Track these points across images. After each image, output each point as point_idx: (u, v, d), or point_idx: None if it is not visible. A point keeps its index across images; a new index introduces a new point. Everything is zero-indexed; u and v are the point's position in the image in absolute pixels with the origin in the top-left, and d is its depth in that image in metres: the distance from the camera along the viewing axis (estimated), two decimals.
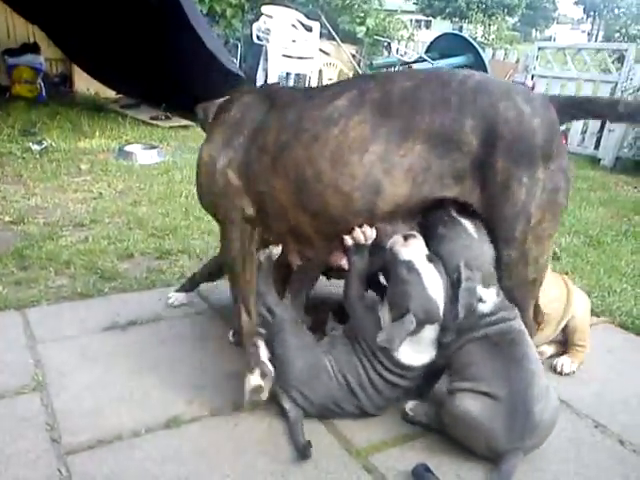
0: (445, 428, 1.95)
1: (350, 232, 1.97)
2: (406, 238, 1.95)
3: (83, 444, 1.88)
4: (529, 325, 2.01)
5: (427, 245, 1.96)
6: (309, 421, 2.03)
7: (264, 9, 9.60)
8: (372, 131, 1.80)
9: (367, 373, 1.99)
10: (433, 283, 1.87)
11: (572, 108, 1.92)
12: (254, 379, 2.01)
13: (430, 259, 1.91)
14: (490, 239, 1.89)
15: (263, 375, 2.01)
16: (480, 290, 1.89)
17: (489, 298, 1.90)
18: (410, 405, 2.06)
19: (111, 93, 8.47)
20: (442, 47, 9.09)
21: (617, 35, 9.10)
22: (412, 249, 1.92)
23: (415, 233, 1.97)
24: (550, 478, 1.89)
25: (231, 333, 2.52)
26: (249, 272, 2.13)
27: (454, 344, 1.92)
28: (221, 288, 3.06)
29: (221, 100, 2.22)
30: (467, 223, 1.91)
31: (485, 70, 8.39)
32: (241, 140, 2.01)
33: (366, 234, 1.97)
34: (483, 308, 1.90)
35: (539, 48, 8.57)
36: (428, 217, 1.97)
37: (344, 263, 2.14)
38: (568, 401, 2.29)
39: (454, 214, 1.92)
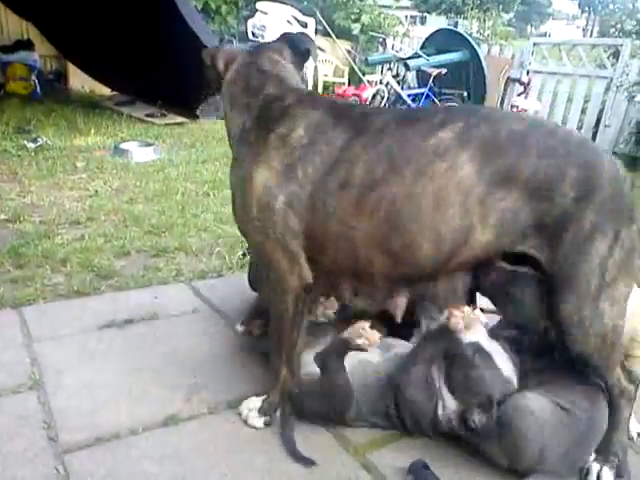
0: (498, 431, 1.80)
1: (418, 279, 1.83)
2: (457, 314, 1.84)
3: (80, 443, 1.88)
4: (621, 391, 1.83)
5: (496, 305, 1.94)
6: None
7: (259, 5, 9.58)
8: (478, 170, 1.65)
9: None
10: (504, 362, 1.85)
11: None
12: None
13: (492, 336, 1.87)
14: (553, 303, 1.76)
15: None
16: None
17: None
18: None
19: (106, 90, 8.46)
20: (437, 43, 9.08)
21: (612, 30, 9.08)
22: (475, 329, 1.85)
23: (470, 309, 1.87)
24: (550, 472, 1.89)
25: (239, 324, 2.43)
26: (297, 329, 1.96)
27: None
28: (217, 285, 3.07)
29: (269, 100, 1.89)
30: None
31: (481, 66, 8.39)
32: (310, 172, 1.75)
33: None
34: None
35: (534, 44, 8.58)
36: (484, 281, 1.90)
37: (397, 312, 1.98)
38: None
39: (510, 267, 1.83)
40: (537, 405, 1.78)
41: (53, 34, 8.36)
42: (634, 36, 8.28)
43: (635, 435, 2.14)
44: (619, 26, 8.85)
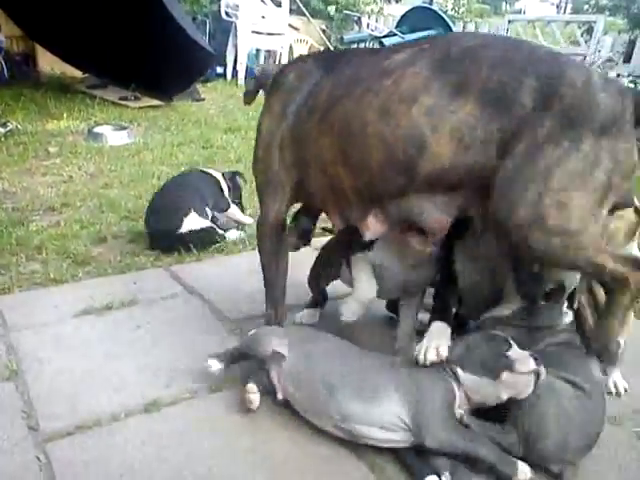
0: (515, 416, 1.77)
1: (388, 197, 1.86)
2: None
3: (62, 431, 1.86)
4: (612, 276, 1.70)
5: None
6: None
7: None
8: (424, 83, 1.69)
9: None
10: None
11: None
12: None
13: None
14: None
15: None
16: None
17: None
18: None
19: (77, 73, 8.26)
20: (412, 21, 9.04)
21: (586, 7, 9.11)
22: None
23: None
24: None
25: None
26: (275, 265, 2.25)
27: None
28: (196, 269, 3.05)
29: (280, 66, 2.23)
30: None
31: None
32: (293, 108, 2.01)
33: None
34: None
35: (509, 21, 8.60)
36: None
37: (366, 232, 2.01)
38: None
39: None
40: (558, 386, 1.76)
41: (17, 13, 8.06)
42: (607, 12, 8.31)
43: (622, 390, 2.25)
44: (593, 2, 8.87)
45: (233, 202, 3.64)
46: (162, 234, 3.23)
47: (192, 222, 3.24)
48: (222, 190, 3.58)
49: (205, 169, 3.73)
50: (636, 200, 1.94)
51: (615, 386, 2.25)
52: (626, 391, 2.25)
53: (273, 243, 2.22)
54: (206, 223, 3.32)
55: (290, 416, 1.97)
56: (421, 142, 1.70)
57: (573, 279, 1.96)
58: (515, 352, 1.76)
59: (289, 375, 1.95)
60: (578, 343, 1.97)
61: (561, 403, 1.74)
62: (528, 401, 1.74)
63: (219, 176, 3.62)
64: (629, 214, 2.04)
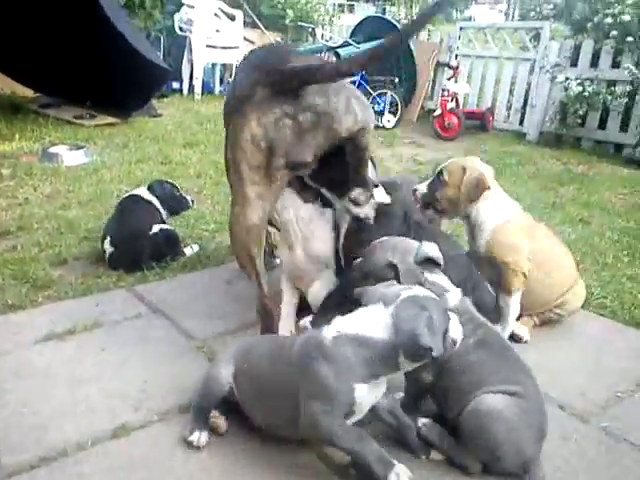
0: (466, 443, 1.83)
1: None
2: None
3: (25, 464, 1.80)
4: None
5: None
6: None
7: None
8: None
9: None
10: None
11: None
12: None
13: None
14: None
15: None
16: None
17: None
18: (424, 421, 1.95)
19: (29, 92, 8.06)
20: (367, 30, 9.11)
21: (532, 14, 9.35)
22: None
23: None
24: None
25: None
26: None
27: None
28: (159, 288, 3.01)
29: None
30: None
31: (410, 51, 8.50)
32: None
33: None
34: None
35: (461, 28, 8.75)
36: None
37: None
38: None
39: None
40: (501, 406, 1.77)
41: None
42: (552, 19, 8.55)
43: (527, 337, 2.61)
44: (538, 10, 9.11)
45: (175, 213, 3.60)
46: (130, 239, 3.15)
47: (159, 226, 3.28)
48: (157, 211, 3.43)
49: (134, 192, 3.51)
50: None
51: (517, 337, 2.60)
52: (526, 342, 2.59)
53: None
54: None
55: (263, 435, 1.95)
56: None
57: None
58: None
59: (246, 398, 1.92)
60: (493, 336, 1.97)
61: (509, 422, 1.76)
62: (479, 429, 1.77)
63: (148, 195, 3.44)
64: None
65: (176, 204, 3.54)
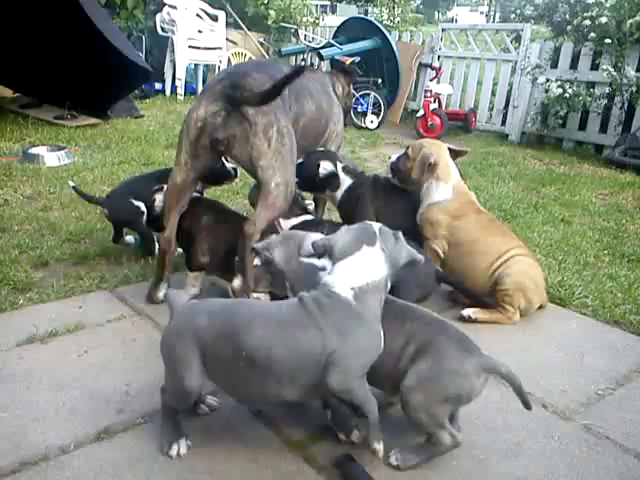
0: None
1: None
2: None
3: (5, 469, 1.78)
4: None
5: None
6: (241, 416, 2.02)
7: None
8: None
9: None
10: None
11: None
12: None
13: None
14: None
15: None
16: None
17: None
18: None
19: (8, 92, 7.96)
20: (349, 31, 9.14)
21: (513, 16, 9.43)
22: None
23: None
24: (480, 446, 1.97)
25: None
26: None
27: None
28: (142, 290, 2.98)
29: None
30: None
31: (393, 52, 8.53)
32: None
33: None
34: None
35: (443, 29, 8.80)
36: None
37: None
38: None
39: None
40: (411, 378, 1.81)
41: None
42: (532, 21, 8.63)
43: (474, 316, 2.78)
44: (519, 11, 9.19)
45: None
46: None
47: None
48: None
49: None
50: None
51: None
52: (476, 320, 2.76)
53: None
54: None
55: (248, 434, 1.95)
56: None
57: None
58: None
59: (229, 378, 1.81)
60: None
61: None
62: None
63: None
64: None
65: (216, 174, 3.27)
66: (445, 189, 2.97)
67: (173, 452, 1.85)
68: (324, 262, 1.93)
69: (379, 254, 1.80)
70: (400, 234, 1.88)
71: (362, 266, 1.78)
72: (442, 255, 2.96)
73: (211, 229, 2.87)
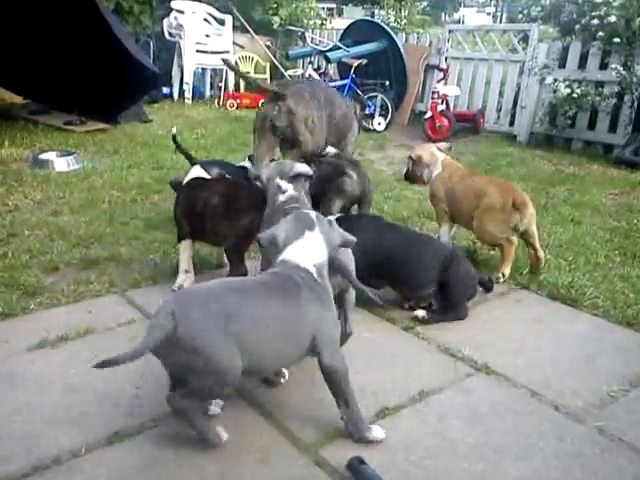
0: None
1: None
2: None
3: (16, 473, 1.78)
4: None
5: None
6: (251, 418, 2.02)
7: (174, 4, 9.35)
8: None
9: None
10: None
11: None
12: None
13: None
14: None
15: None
16: None
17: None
18: None
19: (18, 98, 8.03)
20: (356, 34, 9.15)
21: (520, 16, 9.40)
22: None
23: None
24: (493, 448, 1.96)
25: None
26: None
27: None
28: (152, 293, 2.99)
29: None
30: None
31: (400, 54, 8.52)
32: None
33: None
34: None
35: (450, 31, 8.78)
36: None
37: None
38: (504, 373, 2.38)
39: None
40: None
41: None
42: (540, 21, 8.59)
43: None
44: (526, 12, 9.16)
45: None
46: None
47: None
48: None
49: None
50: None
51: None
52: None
53: None
54: None
55: (259, 437, 1.95)
56: None
57: None
58: None
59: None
60: None
61: None
62: None
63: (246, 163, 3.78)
64: None
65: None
66: (436, 167, 3.67)
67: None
68: (287, 186, 2.51)
69: (320, 237, 2.02)
70: (333, 220, 2.18)
71: (310, 248, 2.00)
72: (447, 211, 3.59)
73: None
